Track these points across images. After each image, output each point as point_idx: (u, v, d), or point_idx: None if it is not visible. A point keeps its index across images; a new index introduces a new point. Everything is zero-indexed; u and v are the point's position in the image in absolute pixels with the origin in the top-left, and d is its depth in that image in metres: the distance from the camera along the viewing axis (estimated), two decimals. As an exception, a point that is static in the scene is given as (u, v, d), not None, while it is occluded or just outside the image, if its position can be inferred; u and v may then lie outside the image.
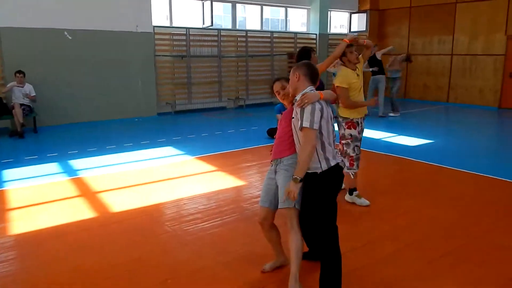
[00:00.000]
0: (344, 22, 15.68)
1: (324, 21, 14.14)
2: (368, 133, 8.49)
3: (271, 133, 8.25)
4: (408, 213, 4.39)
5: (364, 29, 15.07)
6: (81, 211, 4.44)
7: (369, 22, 15.05)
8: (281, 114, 9.08)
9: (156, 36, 10.94)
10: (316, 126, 2.60)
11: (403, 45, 14.35)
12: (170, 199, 4.80)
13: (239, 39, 12.54)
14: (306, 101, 2.62)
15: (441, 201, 4.72)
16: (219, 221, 4.19)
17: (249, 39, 12.67)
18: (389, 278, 3.12)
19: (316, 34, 14.14)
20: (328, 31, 14.64)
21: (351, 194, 4.63)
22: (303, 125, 2.60)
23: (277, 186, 2.90)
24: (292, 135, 2.82)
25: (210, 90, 12.18)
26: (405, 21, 14.56)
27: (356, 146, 4.52)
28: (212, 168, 6.11)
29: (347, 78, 4.34)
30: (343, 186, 4.18)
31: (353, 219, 4.24)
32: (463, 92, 13.14)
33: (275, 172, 2.91)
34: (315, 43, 14.17)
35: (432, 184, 5.43)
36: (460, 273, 3.18)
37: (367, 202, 4.56)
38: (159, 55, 11.09)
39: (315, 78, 2.80)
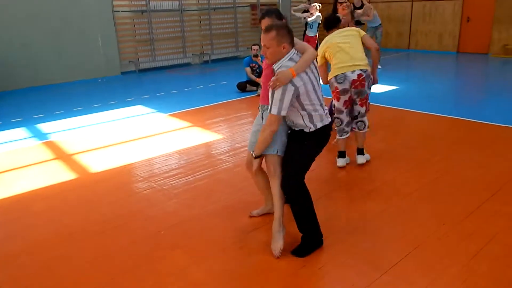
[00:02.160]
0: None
1: (286, -30, 13.85)
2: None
3: (241, 86, 8.25)
4: (382, 154, 4.61)
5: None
6: (60, 174, 4.40)
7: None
8: (250, 67, 8.99)
9: (113, -10, 10.42)
10: (283, 113, 2.59)
11: (364, -7, 14.32)
12: (149, 156, 4.82)
13: (200, -9, 12.13)
14: (278, 83, 2.53)
15: (411, 142, 4.98)
16: (202, 174, 4.27)
17: (210, -9, 12.28)
18: (371, 212, 3.34)
19: (278, -17, 13.86)
20: (290, -20, 14.36)
21: (363, 153, 4.38)
22: (271, 111, 2.60)
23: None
24: None
25: (174, 46, 11.88)
26: (366, -33, 14.46)
27: None
28: (187, 124, 6.11)
29: (325, 43, 4.16)
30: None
31: (331, 164, 4.42)
32: (423, 37, 13.42)
33: (262, 117, 2.93)
34: (278, -7, 13.93)
35: (400, 127, 5.69)
36: (432, 206, 3.44)
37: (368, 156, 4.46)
38: (118, 11, 10.62)
39: (293, 41, 2.68)
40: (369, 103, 4.33)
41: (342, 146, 4.34)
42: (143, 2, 11.05)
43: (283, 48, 2.60)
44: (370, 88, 4.18)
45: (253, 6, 13.30)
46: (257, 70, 8.27)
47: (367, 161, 4.37)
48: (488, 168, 4.15)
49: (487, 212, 3.29)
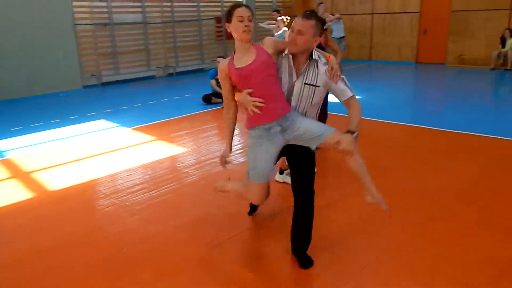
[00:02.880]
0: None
1: (249, -17, 14.01)
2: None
3: (207, 99, 8.22)
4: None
5: (290, -10, 15.18)
6: (17, 193, 4.20)
7: (294, -17, 15.17)
8: (215, 79, 8.94)
9: (74, 3, 10.22)
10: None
11: (326, 6, 14.67)
12: (111, 172, 4.69)
13: (164, 4, 12.08)
14: (338, 73, 2.52)
15: (376, 150, 5.08)
16: (167, 188, 4.19)
17: (174, 4, 12.25)
18: (337, 222, 3.37)
19: (242, -4, 13.99)
20: (254, -7, 14.54)
21: (282, 173, 4.31)
22: (350, 94, 2.54)
23: (283, 147, 2.62)
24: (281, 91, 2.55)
25: (138, 59, 11.75)
26: (327, -19, 14.86)
27: None
28: (151, 138, 6.01)
29: None
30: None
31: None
32: (383, 49, 13.86)
33: (282, 131, 2.53)
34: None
35: (365, 136, 5.79)
36: (401, 214, 3.51)
37: None
38: (79, 24, 10.40)
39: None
40: None
41: (282, 164, 4.19)
42: (105, 15, 10.89)
43: (315, 41, 2.49)
44: None
45: (217, 19, 13.35)
46: (222, 82, 8.27)
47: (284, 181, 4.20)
48: (454, 175, 4.28)
49: (452, 217, 3.39)
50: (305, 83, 2.53)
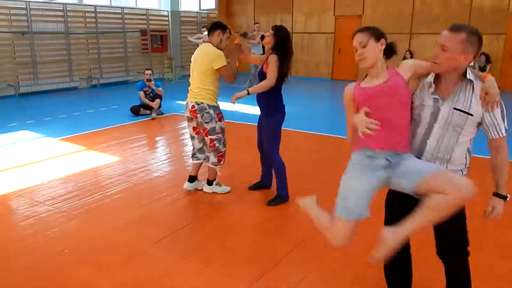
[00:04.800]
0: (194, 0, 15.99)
1: (174, -2, 14.31)
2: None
3: (135, 110, 8.33)
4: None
5: (214, 7, 15.70)
6: None
7: (218, 0, 15.71)
8: (143, 91, 9.00)
9: (-10, 10, 9.78)
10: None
11: (249, 24, 15.42)
12: (44, 181, 4.71)
13: (87, 14, 11.93)
14: (496, 99, 1.97)
15: (295, 157, 5.63)
16: (102, 195, 4.35)
17: (98, 15, 12.15)
18: (261, 216, 3.80)
19: (168, 11, 14.23)
20: (180, 8, 14.84)
21: (210, 184, 4.36)
22: (504, 134, 2.02)
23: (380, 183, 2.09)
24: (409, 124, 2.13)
25: (59, 69, 11.45)
26: (250, 0, 15.62)
27: (225, 139, 4.20)
28: (80, 148, 6.04)
29: (222, 55, 4.00)
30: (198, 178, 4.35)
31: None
32: (303, 66, 14.86)
33: (387, 167, 2.06)
34: (168, 21, 14.28)
35: (283, 144, 6.36)
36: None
37: (228, 188, 4.42)
38: (-4, 32, 9.96)
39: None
40: (217, 145, 4.11)
41: (192, 171, 4.39)
42: (25, 23, 10.52)
43: (466, 60, 1.98)
44: (215, 123, 4.02)
45: (143, 32, 13.43)
46: (151, 94, 8.45)
47: (214, 192, 4.35)
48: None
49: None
50: (454, 108, 2.02)
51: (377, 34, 2.11)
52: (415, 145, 2.14)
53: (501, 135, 2.01)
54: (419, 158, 2.11)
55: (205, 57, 3.98)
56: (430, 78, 2.11)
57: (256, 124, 4.34)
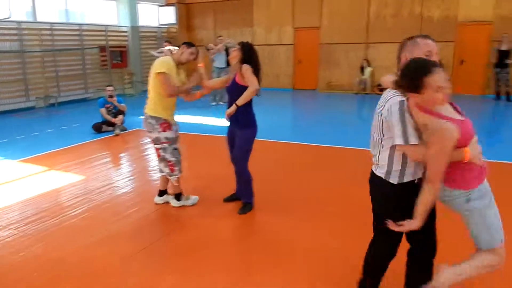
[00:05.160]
0: (153, 15, 15.93)
1: (134, 14, 14.19)
2: (194, 119, 9.22)
3: (97, 127, 8.17)
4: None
5: (174, 22, 15.70)
6: None
7: (178, 15, 15.73)
8: (105, 107, 8.87)
9: None
10: None
11: (209, 37, 15.52)
12: (5, 204, 4.54)
13: (43, 32, 11.63)
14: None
15: (265, 165, 5.70)
16: (68, 215, 4.24)
17: (54, 32, 11.87)
18: (220, 229, 3.83)
19: (127, 26, 14.10)
20: (139, 23, 14.73)
21: (178, 199, 4.37)
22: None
23: None
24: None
25: (14, 89, 11.05)
26: (210, 14, 15.75)
27: (175, 149, 4.17)
28: (42, 168, 5.86)
29: (169, 65, 3.94)
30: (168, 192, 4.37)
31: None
32: (265, 77, 14.89)
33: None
34: (127, 36, 14.15)
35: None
36: (283, 218, 4.11)
37: (196, 198, 4.45)
38: None
39: None
40: (163, 154, 4.13)
41: (160, 184, 4.43)
42: (-24, 43, 10.13)
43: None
44: (157, 133, 4.05)
45: (102, 49, 13.22)
46: (113, 110, 8.33)
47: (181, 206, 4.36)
48: (331, 186, 5.07)
49: (319, 219, 4.10)
50: None
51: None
52: None
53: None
54: None
55: (152, 68, 3.99)
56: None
57: (226, 136, 4.36)
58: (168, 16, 15.71)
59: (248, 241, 3.64)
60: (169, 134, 4.08)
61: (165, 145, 4.10)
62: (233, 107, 3.93)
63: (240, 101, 3.92)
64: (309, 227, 3.84)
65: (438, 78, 1.95)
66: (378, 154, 2.31)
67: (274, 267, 3.18)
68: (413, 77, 1.99)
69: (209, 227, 3.92)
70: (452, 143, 1.98)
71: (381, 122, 2.22)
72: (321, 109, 11.60)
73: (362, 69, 13.16)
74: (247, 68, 3.89)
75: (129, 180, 5.38)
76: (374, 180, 2.38)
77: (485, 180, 2.18)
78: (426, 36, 2.23)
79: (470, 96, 11.95)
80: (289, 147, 6.92)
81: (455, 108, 2.15)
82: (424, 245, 2.40)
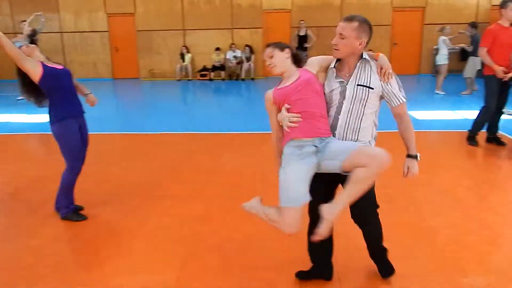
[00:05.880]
0: None
1: None
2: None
3: None
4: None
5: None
6: None
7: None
8: None
9: None
10: None
11: (6, 24, 13.55)
12: None
13: None
14: (390, 71, 2.34)
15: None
16: None
17: None
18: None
19: None
20: None
21: None
22: (402, 99, 2.38)
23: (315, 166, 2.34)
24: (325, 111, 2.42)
25: None
26: (4, -3, 13.71)
27: None
28: None
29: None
30: None
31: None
32: (80, 67, 13.97)
33: (316, 152, 2.31)
34: None
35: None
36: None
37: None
38: None
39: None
40: None
41: None
42: None
43: (360, 43, 2.32)
44: None
45: None
46: None
47: None
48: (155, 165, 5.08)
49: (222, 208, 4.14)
50: (357, 85, 2.35)
51: (279, 46, 2.46)
52: (329, 123, 2.40)
53: (401, 101, 2.36)
54: (333, 133, 2.39)
55: None
56: (333, 65, 2.43)
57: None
58: None
59: (78, 245, 3.43)
60: None
61: None
62: None
63: None
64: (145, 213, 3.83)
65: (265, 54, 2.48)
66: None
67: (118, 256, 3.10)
68: None
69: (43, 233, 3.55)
70: (266, 105, 2.51)
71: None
72: (145, 98, 11.43)
73: (182, 56, 13.36)
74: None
75: None
76: None
77: (296, 143, 2.35)
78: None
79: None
80: (117, 138, 6.66)
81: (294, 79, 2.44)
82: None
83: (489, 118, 5.62)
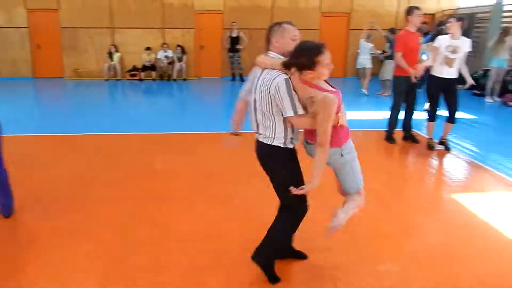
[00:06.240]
0: None
1: None
2: None
3: None
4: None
5: None
6: None
7: None
8: None
9: None
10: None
11: None
12: None
13: None
14: None
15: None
16: None
17: None
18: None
19: None
20: None
21: None
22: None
23: None
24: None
25: None
26: None
27: None
28: None
29: None
30: None
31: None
32: (-3, 65, 12.97)
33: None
34: None
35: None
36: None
37: None
38: None
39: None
40: None
41: None
42: None
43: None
44: None
45: None
46: None
47: None
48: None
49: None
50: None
51: None
52: None
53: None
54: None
55: None
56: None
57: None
58: None
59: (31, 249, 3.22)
60: None
61: None
62: None
63: None
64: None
65: (327, 57, 2.38)
66: (273, 127, 2.53)
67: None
68: (309, 56, 2.34)
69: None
70: (334, 109, 2.39)
71: (270, 99, 2.45)
72: (69, 98, 10.88)
73: (110, 55, 12.89)
74: None
75: None
76: (271, 152, 2.58)
77: (350, 138, 2.64)
78: (289, 23, 2.62)
79: (212, 78, 13.38)
80: (42, 140, 6.29)
81: (328, 83, 2.54)
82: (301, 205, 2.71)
83: (396, 115, 6.06)
